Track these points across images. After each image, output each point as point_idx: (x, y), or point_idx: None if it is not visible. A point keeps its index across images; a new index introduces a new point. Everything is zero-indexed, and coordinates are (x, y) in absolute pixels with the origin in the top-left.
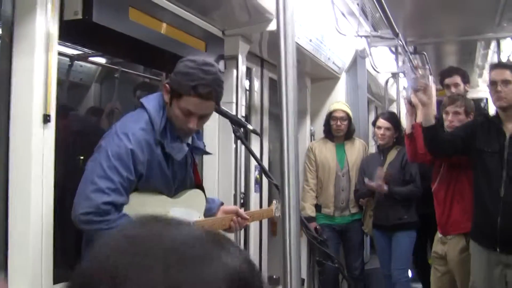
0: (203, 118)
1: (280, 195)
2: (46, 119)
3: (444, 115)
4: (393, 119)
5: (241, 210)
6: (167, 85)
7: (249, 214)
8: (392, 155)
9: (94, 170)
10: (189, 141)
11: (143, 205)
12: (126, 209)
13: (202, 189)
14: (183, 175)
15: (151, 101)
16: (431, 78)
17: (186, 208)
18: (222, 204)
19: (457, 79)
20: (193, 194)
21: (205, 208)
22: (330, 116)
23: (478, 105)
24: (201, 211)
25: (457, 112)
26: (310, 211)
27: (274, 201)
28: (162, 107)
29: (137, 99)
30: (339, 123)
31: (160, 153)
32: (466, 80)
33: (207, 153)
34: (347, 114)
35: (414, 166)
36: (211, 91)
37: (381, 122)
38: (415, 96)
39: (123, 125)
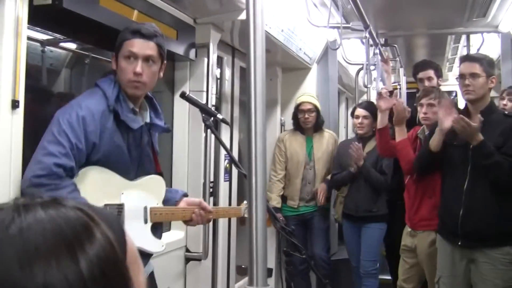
0: (148, 62)
1: (247, 184)
2: (14, 104)
3: (418, 108)
4: (371, 108)
5: (205, 203)
6: (113, 54)
7: (214, 209)
8: (371, 145)
9: (45, 137)
10: (147, 119)
11: (95, 183)
12: (81, 176)
13: (162, 177)
14: (140, 153)
15: (102, 79)
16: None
17: (143, 192)
18: (186, 195)
19: (430, 72)
20: (153, 180)
21: (164, 197)
22: (297, 109)
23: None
24: (160, 198)
25: (431, 104)
26: (276, 202)
27: (245, 202)
28: (114, 81)
29: None
30: (306, 115)
31: (113, 122)
32: (439, 74)
33: (167, 130)
34: (315, 106)
35: (389, 160)
36: (149, 31)
37: (359, 111)
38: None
39: (77, 99)
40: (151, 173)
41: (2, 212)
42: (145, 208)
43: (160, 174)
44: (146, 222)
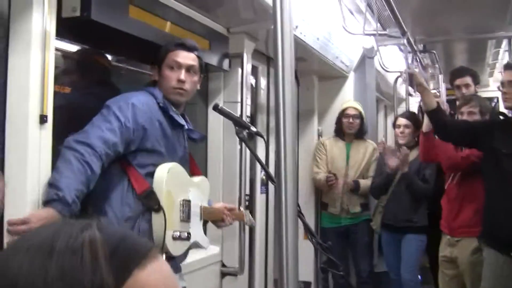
0: (190, 72)
1: (276, 196)
2: (42, 119)
3: (459, 116)
4: (412, 118)
5: (228, 205)
6: (154, 66)
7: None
8: (413, 154)
9: (95, 117)
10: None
11: (175, 178)
12: (171, 173)
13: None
14: (183, 153)
15: (145, 88)
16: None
17: (199, 191)
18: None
19: (468, 79)
20: (205, 181)
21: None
22: (342, 114)
23: (490, 105)
24: (207, 198)
25: (472, 112)
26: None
27: (241, 208)
28: (156, 87)
29: None
30: (351, 120)
31: (162, 116)
32: (476, 80)
33: (203, 137)
34: (360, 113)
35: (431, 168)
36: (191, 44)
37: (400, 120)
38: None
39: (126, 93)
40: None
41: None
42: (201, 206)
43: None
44: (200, 219)
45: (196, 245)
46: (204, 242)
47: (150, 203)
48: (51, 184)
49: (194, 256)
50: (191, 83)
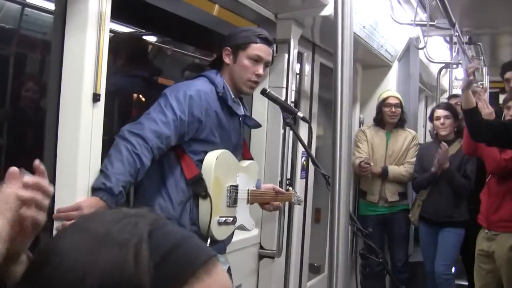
0: (266, 67)
1: (330, 190)
2: (96, 98)
3: (505, 110)
4: (451, 108)
5: (278, 187)
6: (227, 48)
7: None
8: (454, 148)
9: (152, 107)
10: (242, 111)
11: (223, 164)
12: (220, 159)
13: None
14: (238, 139)
15: (207, 72)
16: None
17: (248, 175)
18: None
19: None
20: (254, 164)
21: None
22: (383, 103)
23: None
24: (255, 182)
25: None
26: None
27: (289, 188)
28: (218, 74)
29: (185, 79)
30: (394, 109)
31: (219, 107)
32: None
33: (258, 125)
34: (400, 102)
35: (473, 164)
36: (271, 39)
37: (439, 112)
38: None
39: (184, 82)
40: (241, 158)
41: None
42: (248, 190)
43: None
44: (247, 202)
45: (242, 228)
46: (250, 224)
47: (198, 189)
48: (101, 171)
49: (234, 237)
50: (263, 77)
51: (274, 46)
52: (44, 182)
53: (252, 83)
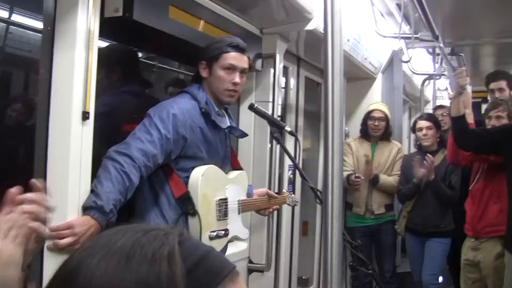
0: (243, 74)
1: (323, 205)
2: (85, 116)
3: (486, 120)
4: (432, 119)
5: (271, 192)
6: (202, 62)
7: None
8: (438, 159)
9: (138, 128)
10: (227, 123)
11: (210, 179)
12: (205, 176)
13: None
14: (225, 151)
15: (189, 87)
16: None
17: (237, 186)
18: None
19: (503, 83)
20: (242, 175)
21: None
22: (368, 116)
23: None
24: (245, 191)
25: (499, 117)
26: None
27: (284, 190)
28: (201, 88)
29: (169, 95)
30: (376, 123)
31: (204, 122)
32: (511, 84)
33: (245, 134)
34: (386, 116)
35: (458, 174)
36: (244, 45)
37: (421, 123)
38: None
39: (167, 101)
40: (230, 168)
41: None
42: (239, 200)
43: (240, 169)
44: (239, 213)
45: (236, 238)
46: (243, 234)
47: (187, 207)
48: (92, 191)
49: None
50: (242, 85)
51: (261, 60)
52: (43, 197)
53: (230, 92)
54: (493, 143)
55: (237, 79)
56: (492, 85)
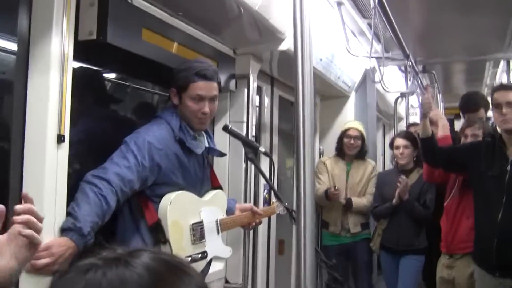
0: (212, 101)
1: (296, 226)
2: (60, 139)
3: (462, 138)
4: (410, 137)
5: (255, 207)
6: (173, 89)
7: (262, 210)
8: (413, 178)
9: (115, 153)
10: (205, 144)
11: (182, 205)
12: (174, 203)
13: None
14: (203, 173)
15: (164, 112)
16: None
17: (214, 207)
18: (235, 202)
19: (482, 113)
20: (219, 194)
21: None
22: (344, 134)
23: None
24: (224, 210)
25: (475, 135)
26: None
27: (274, 201)
28: (175, 113)
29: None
30: (352, 141)
31: (179, 148)
32: (487, 109)
33: (223, 154)
34: (361, 134)
35: (432, 192)
36: (212, 72)
37: (399, 141)
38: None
39: (143, 128)
40: (209, 189)
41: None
42: (217, 220)
43: (220, 188)
44: (218, 233)
45: (216, 258)
46: (225, 253)
47: (158, 235)
48: (69, 213)
49: None
50: (213, 110)
51: (234, 81)
52: (34, 208)
53: (201, 120)
54: (460, 160)
55: (205, 108)
56: (471, 117)
